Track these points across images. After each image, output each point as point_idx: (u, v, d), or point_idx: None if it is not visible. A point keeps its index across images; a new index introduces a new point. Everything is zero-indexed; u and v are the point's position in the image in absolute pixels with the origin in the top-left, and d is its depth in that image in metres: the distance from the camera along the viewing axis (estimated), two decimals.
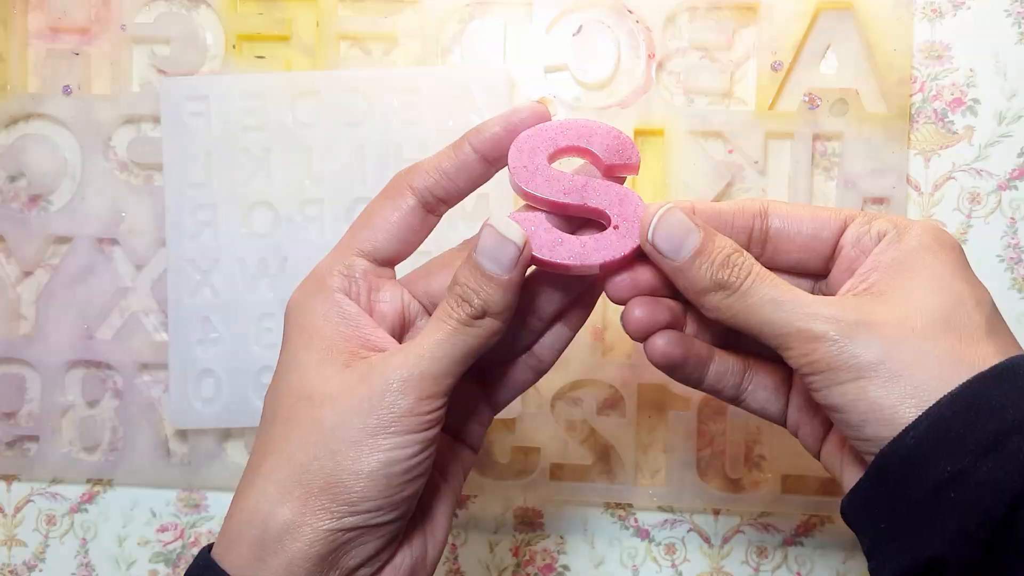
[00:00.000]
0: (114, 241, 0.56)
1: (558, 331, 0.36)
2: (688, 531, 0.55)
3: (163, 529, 0.57)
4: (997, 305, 0.30)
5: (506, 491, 0.54)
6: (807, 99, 0.53)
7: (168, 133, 0.53)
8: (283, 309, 0.52)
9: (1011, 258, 0.53)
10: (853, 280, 0.31)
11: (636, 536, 0.55)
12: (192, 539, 0.57)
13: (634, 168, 0.34)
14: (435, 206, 0.34)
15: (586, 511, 0.56)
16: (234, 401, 0.53)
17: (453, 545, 0.56)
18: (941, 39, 0.53)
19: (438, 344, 0.31)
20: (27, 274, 0.57)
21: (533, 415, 0.54)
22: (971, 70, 0.53)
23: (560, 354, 0.37)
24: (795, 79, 0.53)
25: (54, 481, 0.58)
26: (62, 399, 0.57)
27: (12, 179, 0.57)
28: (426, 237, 0.35)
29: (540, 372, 0.37)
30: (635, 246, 0.32)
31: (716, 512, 0.55)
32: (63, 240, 0.56)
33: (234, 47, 0.55)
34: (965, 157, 0.53)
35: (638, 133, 0.53)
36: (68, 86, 0.56)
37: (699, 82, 0.53)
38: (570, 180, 0.32)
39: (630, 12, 0.53)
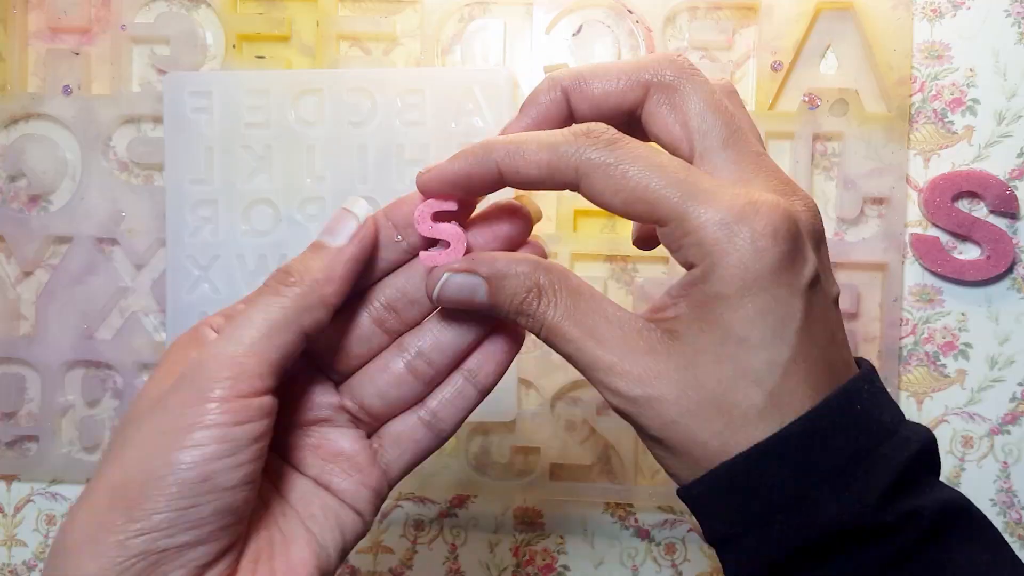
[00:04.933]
0: (114, 241, 0.56)
1: (461, 387, 0.33)
2: (688, 531, 0.55)
3: None
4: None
5: (506, 491, 0.54)
6: (807, 99, 0.53)
7: (170, 128, 0.53)
8: None
9: None
10: (665, 297, 0.29)
11: (636, 536, 0.55)
12: None
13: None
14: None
15: (586, 511, 0.55)
16: None
17: (453, 545, 0.56)
18: (941, 39, 0.53)
19: (241, 319, 0.28)
20: (27, 274, 0.57)
21: (533, 415, 0.54)
22: (971, 70, 0.53)
23: (464, 417, 0.33)
24: (795, 79, 0.53)
25: (54, 481, 0.58)
26: (62, 399, 0.57)
27: (12, 179, 0.57)
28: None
29: (440, 434, 0.33)
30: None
31: None
32: (63, 240, 0.56)
33: (234, 47, 0.55)
34: (965, 157, 0.53)
35: None
36: (68, 86, 0.56)
37: None
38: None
39: (630, 12, 0.53)
